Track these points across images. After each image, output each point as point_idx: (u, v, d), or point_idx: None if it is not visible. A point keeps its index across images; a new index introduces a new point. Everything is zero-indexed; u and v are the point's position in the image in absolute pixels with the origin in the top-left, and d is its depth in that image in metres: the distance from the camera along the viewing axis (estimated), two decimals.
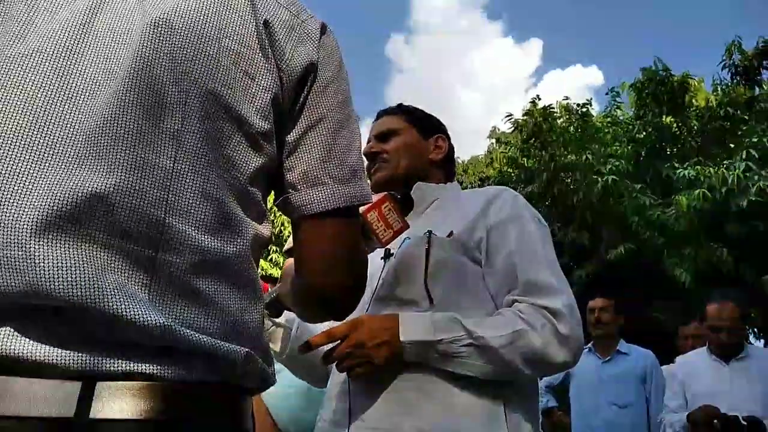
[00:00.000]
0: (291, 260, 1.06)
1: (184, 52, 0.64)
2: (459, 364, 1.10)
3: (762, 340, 8.98)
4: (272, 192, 0.76)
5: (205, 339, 0.58)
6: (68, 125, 0.58)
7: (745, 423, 2.58)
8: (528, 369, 1.10)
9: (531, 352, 1.09)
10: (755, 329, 8.88)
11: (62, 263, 0.53)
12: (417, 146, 1.40)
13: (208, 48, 0.65)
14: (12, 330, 0.53)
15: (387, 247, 1.25)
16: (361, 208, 1.02)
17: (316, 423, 1.26)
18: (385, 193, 1.19)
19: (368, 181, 1.36)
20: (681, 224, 7.17)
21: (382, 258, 1.28)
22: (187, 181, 0.61)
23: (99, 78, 0.61)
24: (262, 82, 0.68)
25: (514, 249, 1.17)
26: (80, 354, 0.54)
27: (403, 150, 1.37)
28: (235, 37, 0.68)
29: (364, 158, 1.36)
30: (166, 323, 0.56)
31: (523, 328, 1.09)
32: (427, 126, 1.43)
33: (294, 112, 0.72)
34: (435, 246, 1.19)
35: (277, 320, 1.31)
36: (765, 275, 7.01)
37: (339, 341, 1.13)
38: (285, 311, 1.28)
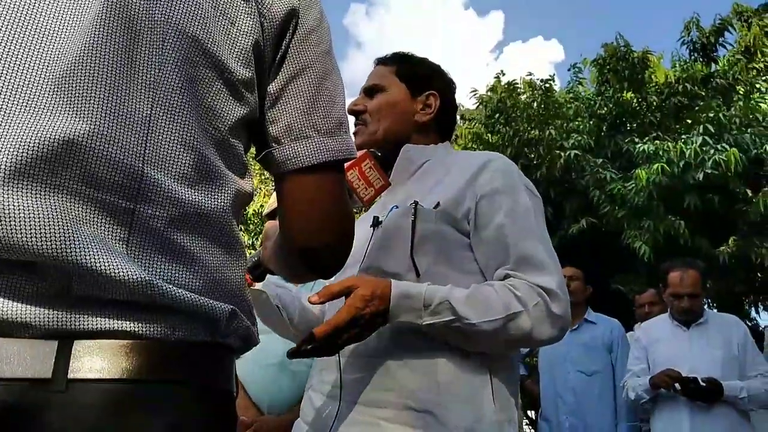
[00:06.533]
0: (272, 222, 1.03)
1: None
2: (445, 338, 1.10)
3: (715, 309, 9.32)
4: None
5: (188, 295, 0.55)
6: (37, 69, 0.54)
7: (704, 384, 2.68)
8: (514, 348, 1.12)
9: (520, 334, 1.08)
10: (709, 299, 9.20)
11: (35, 214, 0.49)
12: (401, 107, 1.30)
13: None
14: None
15: (375, 215, 1.21)
16: None
17: (305, 391, 1.23)
18: (365, 150, 1.16)
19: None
20: (641, 198, 7.32)
21: (371, 226, 1.23)
22: (166, 129, 0.58)
23: (67, 19, 0.57)
24: (243, 26, 0.65)
25: (506, 221, 1.13)
26: (55, 311, 0.51)
27: (384, 111, 1.29)
28: None
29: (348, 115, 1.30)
30: (146, 278, 0.53)
31: (516, 311, 1.07)
32: (419, 81, 1.32)
33: (276, 60, 0.69)
34: (421, 218, 1.15)
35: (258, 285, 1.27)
36: (719, 246, 7.25)
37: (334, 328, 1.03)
38: (268, 275, 1.24)
